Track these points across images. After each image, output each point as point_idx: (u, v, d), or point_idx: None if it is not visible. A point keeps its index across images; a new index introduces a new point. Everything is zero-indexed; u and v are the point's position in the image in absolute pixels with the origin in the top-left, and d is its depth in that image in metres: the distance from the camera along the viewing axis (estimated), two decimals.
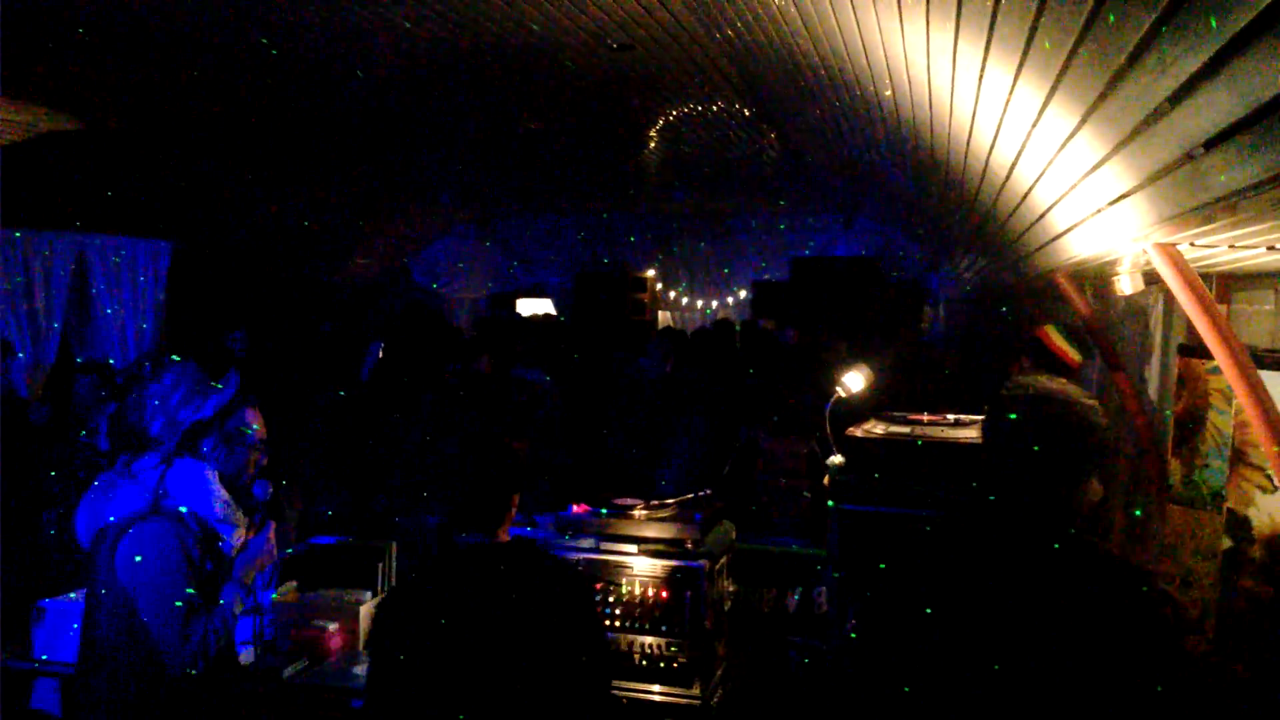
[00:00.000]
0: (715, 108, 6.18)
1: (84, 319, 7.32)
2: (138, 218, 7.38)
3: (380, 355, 6.90)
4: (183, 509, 2.68)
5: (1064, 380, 2.20)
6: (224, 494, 2.77)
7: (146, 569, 2.57)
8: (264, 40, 4.68)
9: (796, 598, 4.12)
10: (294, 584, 4.00)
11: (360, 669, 3.54)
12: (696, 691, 3.32)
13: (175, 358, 2.79)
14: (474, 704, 2.29)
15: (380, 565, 3.99)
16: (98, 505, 2.68)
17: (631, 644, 3.40)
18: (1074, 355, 4.85)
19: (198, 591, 2.63)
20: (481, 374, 5.90)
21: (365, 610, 3.79)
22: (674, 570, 3.38)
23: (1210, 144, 1.83)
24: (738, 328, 9.53)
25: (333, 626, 3.71)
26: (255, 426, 2.88)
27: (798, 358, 7.14)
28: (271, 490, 2.95)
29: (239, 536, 2.80)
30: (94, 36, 4.47)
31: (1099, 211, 2.89)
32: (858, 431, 3.58)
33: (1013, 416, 2.05)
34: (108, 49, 4.73)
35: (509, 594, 2.40)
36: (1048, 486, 1.99)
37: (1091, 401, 2.09)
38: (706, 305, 11.82)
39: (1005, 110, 2.95)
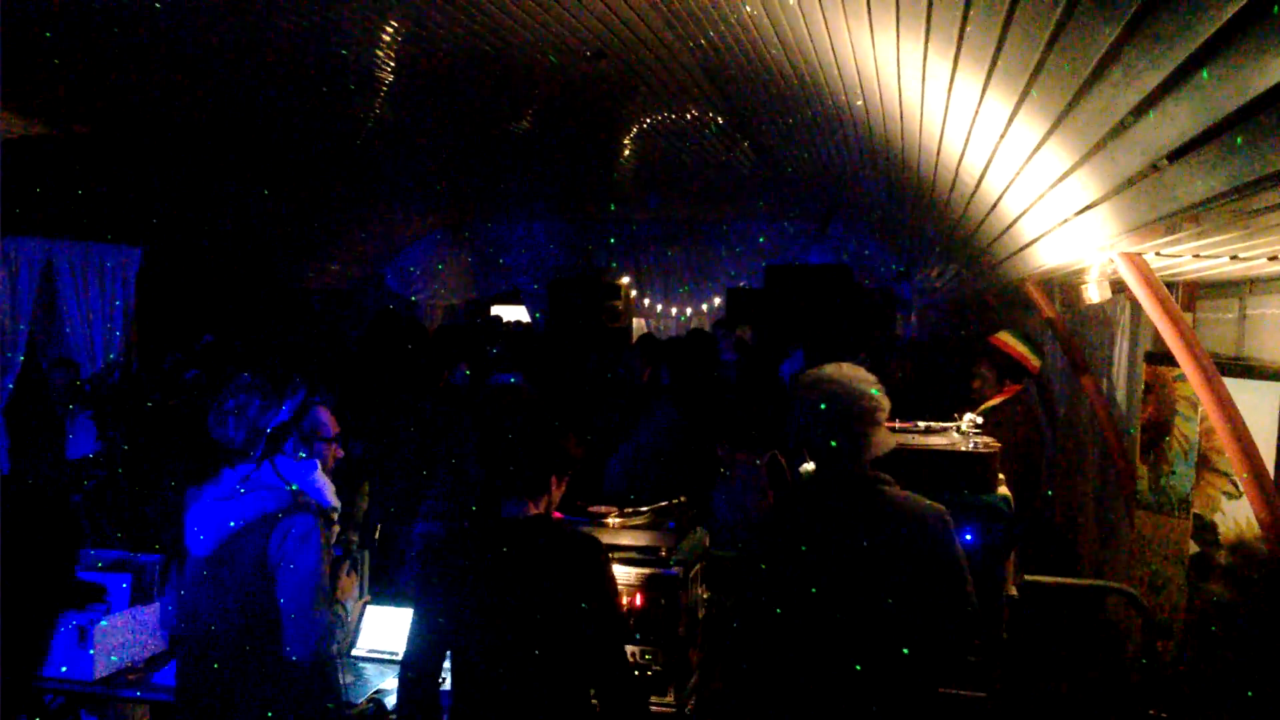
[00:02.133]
0: (689, 116, 6.20)
1: (52, 324, 7.24)
2: (107, 223, 7.31)
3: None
4: (313, 501, 2.95)
5: (848, 365, 2.70)
6: (330, 484, 3.07)
7: (295, 554, 2.80)
8: (237, 45, 4.66)
9: None
10: None
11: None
12: (671, 699, 3.31)
13: (246, 375, 3.02)
14: (503, 655, 2.58)
15: (353, 574, 3.96)
16: (225, 514, 2.85)
17: None
18: (1033, 359, 4.89)
19: (329, 579, 2.93)
20: (459, 382, 5.86)
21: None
22: (648, 578, 3.38)
23: (1174, 156, 1.86)
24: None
25: None
26: (328, 423, 3.20)
27: (751, 367, 7.14)
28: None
29: (335, 520, 3.12)
30: (63, 42, 4.43)
31: (1066, 221, 2.93)
32: None
33: (803, 396, 2.65)
34: (77, 54, 4.69)
35: (534, 559, 2.61)
36: (836, 441, 2.57)
37: (866, 377, 2.64)
38: (681, 312, 11.85)
39: (974, 121, 2.99)
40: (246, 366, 3.17)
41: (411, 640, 2.69)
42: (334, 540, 3.08)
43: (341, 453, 3.24)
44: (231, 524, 2.84)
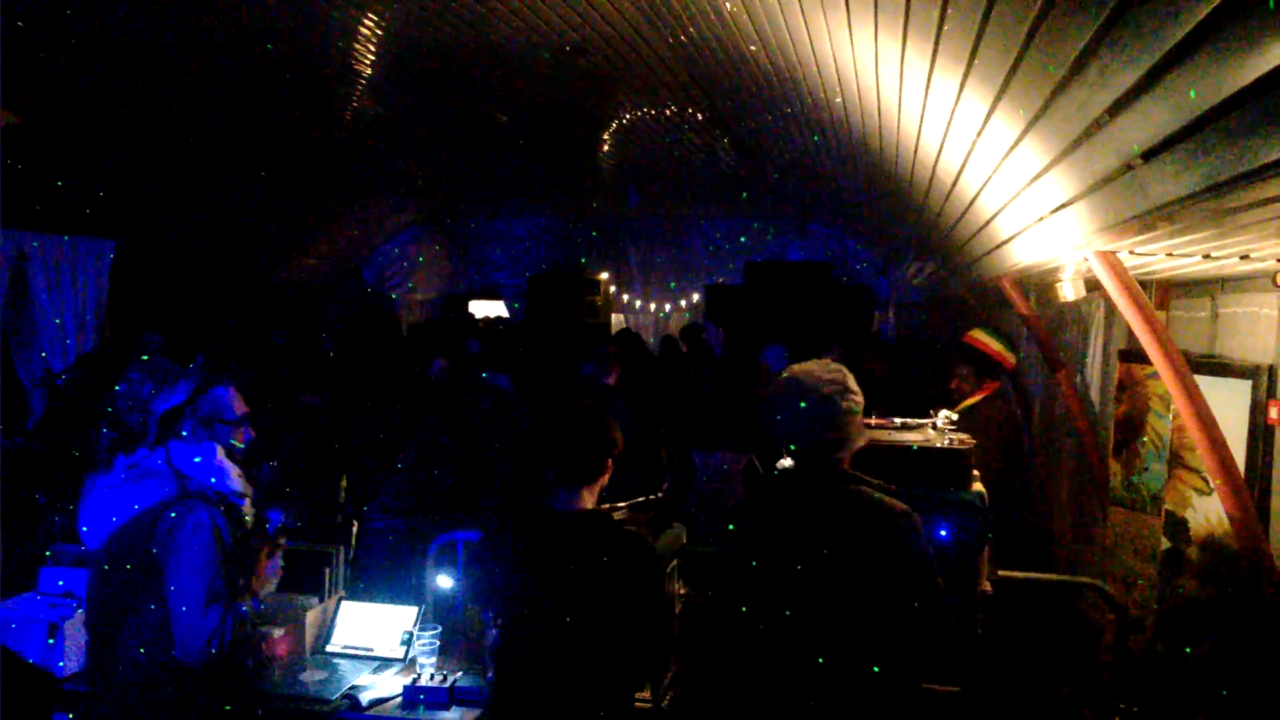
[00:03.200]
0: (669, 111, 6.19)
1: (22, 318, 7.15)
2: (81, 215, 7.22)
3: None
4: (208, 489, 2.79)
5: (820, 362, 2.70)
6: (235, 468, 2.88)
7: (182, 547, 2.64)
8: (215, 37, 4.61)
9: None
10: None
11: (306, 675, 3.49)
12: (648, 694, 3.32)
13: (145, 357, 2.88)
14: (553, 643, 2.66)
15: (328, 570, 3.93)
16: (112, 504, 2.72)
17: None
18: (1009, 356, 4.94)
19: (225, 575, 2.73)
20: (443, 379, 5.83)
21: (311, 616, 3.73)
22: None
23: (1148, 155, 1.87)
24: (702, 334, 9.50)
25: (278, 632, 3.64)
26: (231, 404, 2.96)
27: (729, 366, 7.15)
28: (285, 517, 3.08)
29: (249, 508, 2.91)
30: (34, 32, 4.37)
31: (1041, 219, 2.95)
32: None
33: (773, 393, 2.66)
34: (52, 45, 4.63)
35: (588, 555, 2.68)
36: (803, 438, 2.58)
37: (832, 374, 2.62)
38: (660, 308, 11.86)
39: (951, 118, 3.00)
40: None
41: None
42: (249, 525, 2.90)
43: (251, 434, 3.01)
44: (116, 515, 2.69)
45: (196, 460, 2.79)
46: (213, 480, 2.80)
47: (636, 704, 3.29)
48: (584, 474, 2.79)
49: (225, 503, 2.81)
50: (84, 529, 2.74)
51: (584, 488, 2.79)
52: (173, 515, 2.65)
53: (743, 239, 11.36)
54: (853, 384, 2.64)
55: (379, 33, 4.57)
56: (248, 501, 2.90)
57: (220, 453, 2.86)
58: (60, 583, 3.70)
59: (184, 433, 2.81)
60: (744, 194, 9.48)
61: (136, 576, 2.65)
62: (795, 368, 2.70)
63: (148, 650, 2.64)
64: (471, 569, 2.86)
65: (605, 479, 2.85)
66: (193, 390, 2.85)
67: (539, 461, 2.79)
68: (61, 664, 3.41)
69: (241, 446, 2.97)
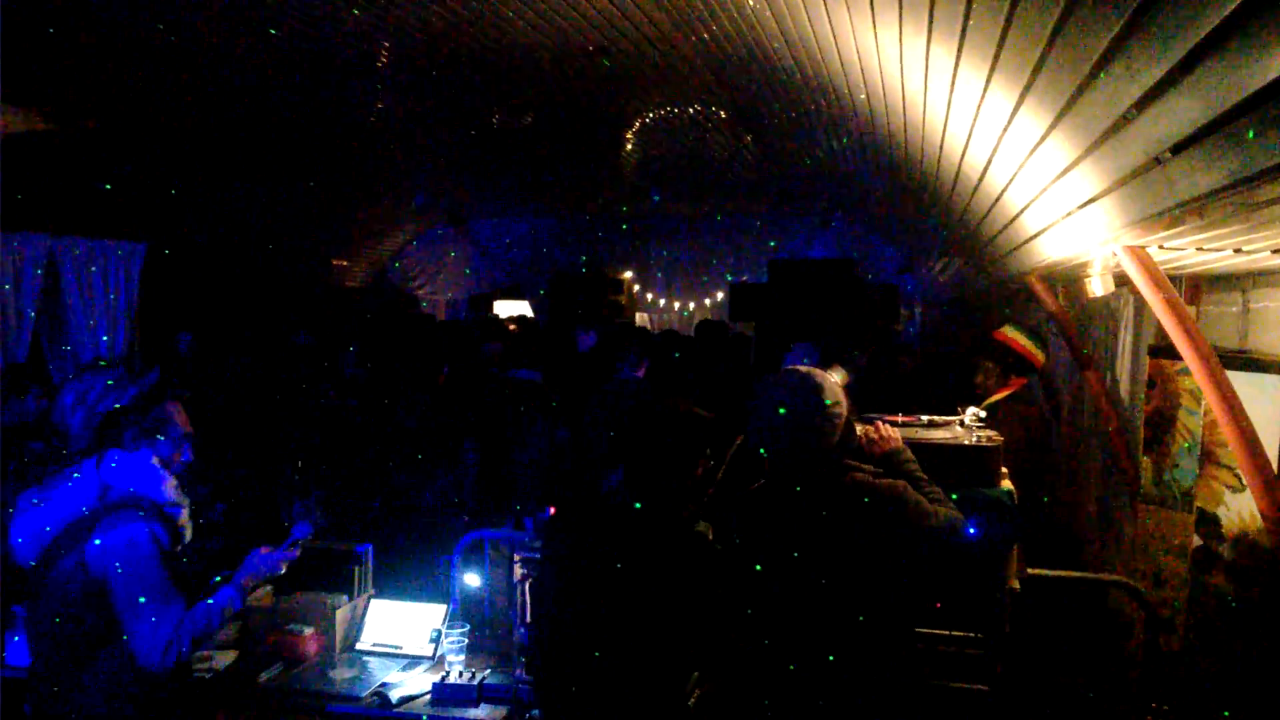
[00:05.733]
0: (692, 110, 6.20)
1: (55, 320, 7.25)
2: (111, 219, 7.32)
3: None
4: (137, 497, 2.71)
5: (803, 368, 2.82)
6: (170, 476, 2.80)
7: (122, 559, 2.58)
8: (240, 40, 4.66)
9: None
10: (269, 588, 3.97)
11: (336, 673, 3.52)
12: None
13: (102, 362, 2.77)
14: (607, 639, 2.64)
15: (357, 569, 3.96)
16: (40, 517, 2.65)
17: None
18: (1038, 354, 4.90)
19: (172, 579, 2.66)
20: (475, 374, 5.86)
21: (341, 614, 3.76)
22: None
23: (1177, 149, 1.86)
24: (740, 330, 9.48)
25: (309, 630, 3.68)
26: (176, 419, 2.88)
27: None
28: (313, 528, 3.08)
29: (187, 518, 2.83)
30: (65, 37, 4.43)
31: (1069, 214, 2.93)
32: None
33: (760, 397, 2.77)
34: (79, 50, 4.69)
35: (643, 552, 2.64)
36: (796, 440, 2.71)
37: (820, 378, 2.75)
38: (684, 307, 11.85)
39: (977, 114, 2.98)
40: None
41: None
42: (188, 536, 2.80)
43: (190, 455, 2.91)
44: (48, 528, 2.60)
45: (134, 468, 2.71)
46: (131, 489, 2.71)
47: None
48: (656, 477, 2.69)
49: (159, 512, 2.74)
50: (15, 546, 2.66)
51: (650, 490, 2.71)
52: (107, 527, 2.58)
53: (771, 242, 11.34)
54: (832, 394, 2.75)
55: (404, 35, 4.60)
56: (184, 511, 2.82)
57: (155, 460, 2.79)
58: None
59: (126, 439, 2.73)
60: (767, 192, 9.47)
61: (78, 590, 2.59)
62: (770, 379, 2.84)
63: (94, 662, 2.60)
64: (538, 565, 2.88)
65: (687, 478, 2.74)
66: (141, 397, 2.79)
67: (610, 464, 2.78)
68: None
69: (179, 463, 2.90)
